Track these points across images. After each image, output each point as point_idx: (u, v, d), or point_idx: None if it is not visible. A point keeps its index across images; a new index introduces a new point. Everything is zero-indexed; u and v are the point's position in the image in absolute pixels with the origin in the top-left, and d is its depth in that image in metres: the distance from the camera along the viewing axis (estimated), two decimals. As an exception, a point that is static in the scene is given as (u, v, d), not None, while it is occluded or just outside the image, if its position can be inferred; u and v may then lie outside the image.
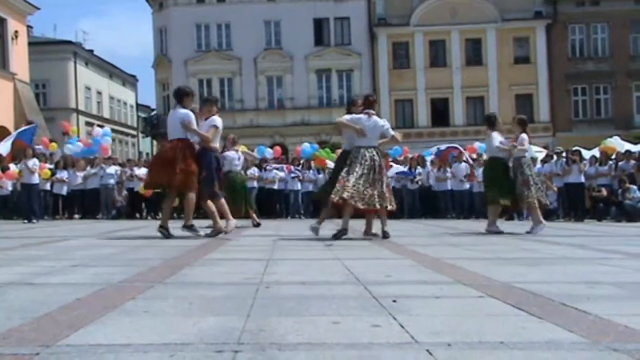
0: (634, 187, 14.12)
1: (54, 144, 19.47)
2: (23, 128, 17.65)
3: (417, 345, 2.15)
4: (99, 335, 2.31)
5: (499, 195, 9.03)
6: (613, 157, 15.78)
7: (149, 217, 16.95)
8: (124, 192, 17.20)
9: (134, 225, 12.41)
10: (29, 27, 31.14)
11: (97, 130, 20.18)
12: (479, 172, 10.28)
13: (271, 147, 20.85)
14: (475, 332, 2.34)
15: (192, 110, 8.15)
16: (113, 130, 44.67)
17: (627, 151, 15.69)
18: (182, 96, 8.27)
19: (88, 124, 38.42)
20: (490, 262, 5.00)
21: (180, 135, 8.00)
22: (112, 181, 17.19)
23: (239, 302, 3.02)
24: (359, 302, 3.01)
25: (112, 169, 17.37)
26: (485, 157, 11.06)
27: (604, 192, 14.74)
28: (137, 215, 17.31)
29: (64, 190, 17.17)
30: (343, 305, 2.92)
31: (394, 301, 3.00)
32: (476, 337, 2.25)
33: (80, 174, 17.15)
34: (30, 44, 29.30)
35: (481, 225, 10.43)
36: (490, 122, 9.50)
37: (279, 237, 8.16)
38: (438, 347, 2.10)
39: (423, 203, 16.54)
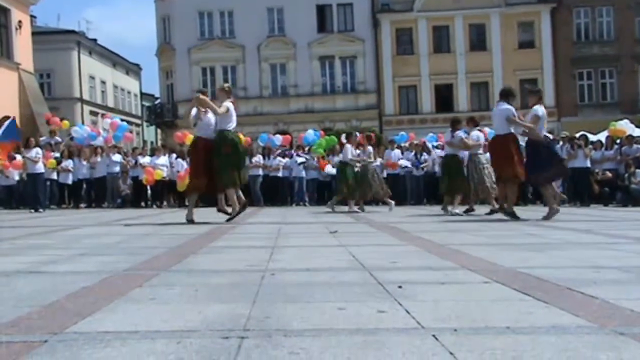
0: (640, 171, 14.08)
1: (66, 121, 19.37)
2: (2, 128, 16.60)
3: (423, 330, 2.15)
4: (107, 322, 2.32)
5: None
6: (618, 141, 15.70)
7: (155, 206, 17.01)
8: (129, 181, 17.24)
9: (139, 214, 12.45)
10: (32, 17, 31.08)
11: (107, 121, 19.95)
12: (486, 156, 10.35)
13: (274, 135, 20.77)
14: (481, 317, 2.34)
15: None
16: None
17: (631, 135, 15.61)
18: (507, 95, 8.93)
19: (92, 113, 38.48)
20: (496, 248, 5.00)
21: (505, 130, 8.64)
22: (117, 169, 17.23)
23: (245, 289, 3.03)
24: (364, 289, 3.01)
25: (118, 157, 17.41)
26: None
27: (609, 174, 14.70)
28: (142, 204, 17.35)
29: (70, 179, 17.23)
30: (348, 292, 2.93)
31: (400, 287, 3.00)
32: (482, 323, 2.25)
33: (86, 163, 17.18)
34: (34, 33, 29.24)
35: (485, 209, 10.42)
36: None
37: (283, 224, 8.17)
38: (444, 333, 2.11)
39: (427, 189, 16.51)
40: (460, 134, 10.79)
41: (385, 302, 2.66)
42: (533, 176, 8.79)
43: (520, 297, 2.75)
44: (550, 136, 17.55)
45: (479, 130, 11.21)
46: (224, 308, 2.57)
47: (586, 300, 2.68)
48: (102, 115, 21.14)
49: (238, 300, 2.73)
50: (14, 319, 2.37)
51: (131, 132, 20.38)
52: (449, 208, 10.56)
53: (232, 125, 8.41)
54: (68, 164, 17.13)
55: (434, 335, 2.07)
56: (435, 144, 17.20)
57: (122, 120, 21.94)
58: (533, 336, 2.07)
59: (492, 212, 10.08)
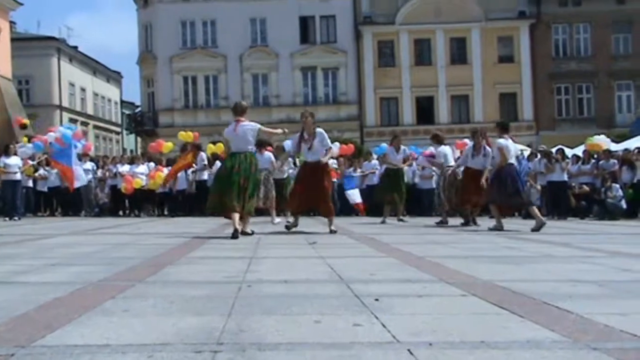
0: (616, 185, 14.25)
1: (25, 138, 18.92)
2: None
3: (399, 344, 2.14)
4: (76, 335, 2.27)
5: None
6: (595, 155, 15.90)
7: (132, 215, 16.84)
8: (106, 190, 16.98)
9: (116, 223, 12.32)
10: (12, 22, 30.79)
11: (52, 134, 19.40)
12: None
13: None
14: (456, 331, 2.34)
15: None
16: (97, 127, 44.34)
17: (608, 150, 15.83)
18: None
19: (72, 120, 38.09)
20: (474, 260, 5.01)
21: None
22: (89, 176, 16.88)
23: (220, 301, 3.00)
24: (341, 301, 3.00)
25: (89, 165, 17.13)
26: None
27: (586, 188, 14.86)
28: (120, 212, 17.17)
29: (46, 187, 16.98)
30: (325, 304, 2.91)
31: (377, 300, 2.99)
32: (457, 337, 2.24)
33: (54, 172, 16.82)
34: (13, 40, 28.97)
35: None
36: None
37: (263, 234, 8.12)
38: (419, 347, 2.09)
39: (407, 201, 16.52)
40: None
41: (361, 315, 2.64)
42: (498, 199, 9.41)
43: (496, 311, 2.75)
44: (527, 150, 17.76)
45: (445, 145, 11.70)
46: (199, 321, 2.53)
47: (561, 314, 2.69)
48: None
49: (213, 313, 2.70)
50: (-19, 331, 2.31)
51: (85, 132, 19.63)
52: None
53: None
54: (46, 172, 16.87)
55: (409, 350, 2.06)
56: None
57: (98, 127, 21.48)
58: (508, 351, 2.06)
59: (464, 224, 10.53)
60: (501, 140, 9.32)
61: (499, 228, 9.26)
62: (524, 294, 3.19)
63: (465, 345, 2.13)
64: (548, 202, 15.05)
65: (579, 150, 17.12)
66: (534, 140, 29.79)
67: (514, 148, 9.69)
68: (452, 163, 11.15)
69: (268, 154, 12.03)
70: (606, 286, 3.56)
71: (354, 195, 16.04)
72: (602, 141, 17.06)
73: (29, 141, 18.27)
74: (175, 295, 3.17)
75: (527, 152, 17.11)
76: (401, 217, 12.39)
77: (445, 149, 11.43)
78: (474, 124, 30.55)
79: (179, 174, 15.77)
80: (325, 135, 8.63)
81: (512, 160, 9.48)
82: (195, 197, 16.57)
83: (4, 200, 14.96)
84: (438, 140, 11.67)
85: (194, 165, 15.75)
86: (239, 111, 8.01)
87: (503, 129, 9.67)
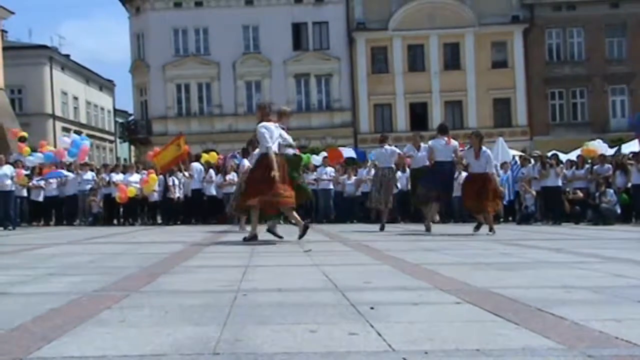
0: (611, 190, 14.31)
1: (27, 148, 19.01)
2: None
3: (394, 354, 2.15)
4: (73, 347, 2.27)
5: None
6: (589, 160, 15.97)
7: (127, 223, 16.80)
8: (99, 198, 16.92)
9: (111, 232, 12.29)
10: (3, 31, 30.75)
11: (65, 140, 19.63)
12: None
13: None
14: (452, 339, 2.35)
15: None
16: (90, 136, 44.31)
17: (602, 155, 15.91)
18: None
19: (65, 129, 38.03)
20: (469, 267, 5.02)
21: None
22: (89, 187, 16.99)
23: (216, 310, 3.00)
24: (336, 310, 3.00)
25: (90, 175, 17.17)
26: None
27: (580, 193, 14.92)
28: (115, 221, 17.13)
29: (41, 197, 16.94)
30: (320, 313, 2.91)
31: (372, 308, 2.99)
32: (453, 345, 2.25)
33: (54, 182, 16.88)
34: (4, 48, 28.91)
35: (462, 229, 10.51)
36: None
37: (258, 243, 8.12)
38: (415, 356, 2.10)
39: (401, 206, 16.55)
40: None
41: (357, 324, 2.65)
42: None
43: (491, 318, 2.76)
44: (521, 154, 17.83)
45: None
46: (194, 330, 2.54)
47: (556, 321, 2.70)
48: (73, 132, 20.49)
49: (209, 322, 2.70)
50: (-23, 344, 2.31)
51: (89, 145, 20.17)
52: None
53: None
54: (40, 181, 16.84)
55: (404, 359, 2.06)
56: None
57: (91, 136, 21.73)
58: (503, 358, 2.08)
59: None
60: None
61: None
62: (518, 301, 3.20)
63: (461, 353, 2.14)
64: (542, 207, 15.11)
65: (573, 155, 17.20)
66: (528, 146, 29.95)
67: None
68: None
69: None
70: (601, 292, 3.58)
71: None
72: (598, 146, 17.16)
73: (32, 152, 18.37)
74: (170, 305, 3.17)
75: (517, 157, 17.16)
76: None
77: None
78: (468, 129, 30.64)
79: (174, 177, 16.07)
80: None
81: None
82: (190, 205, 16.59)
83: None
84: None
85: (186, 157, 16.32)
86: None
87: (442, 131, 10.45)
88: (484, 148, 10.10)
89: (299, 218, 8.18)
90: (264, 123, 8.00)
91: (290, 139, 8.32)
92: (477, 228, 10.05)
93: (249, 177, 8.42)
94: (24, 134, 19.57)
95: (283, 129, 8.21)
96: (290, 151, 8.39)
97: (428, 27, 34.04)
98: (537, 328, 2.51)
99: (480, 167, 10.02)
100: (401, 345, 2.25)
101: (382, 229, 11.10)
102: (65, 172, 16.71)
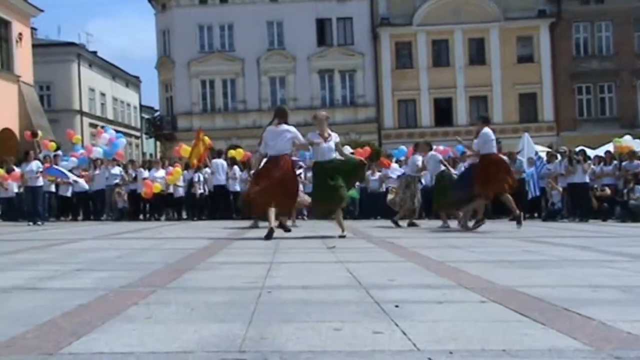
0: (639, 186, 14.07)
1: (52, 143, 19.23)
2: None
3: (419, 353, 2.15)
4: (101, 343, 2.31)
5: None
6: (617, 156, 15.71)
7: (152, 219, 16.99)
8: (123, 192, 17.11)
9: (137, 227, 12.44)
10: (33, 29, 31.21)
11: (105, 136, 19.69)
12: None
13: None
14: (477, 339, 2.34)
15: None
16: (117, 132, 44.77)
17: (631, 151, 15.63)
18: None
19: (92, 125, 38.52)
20: (493, 265, 4.99)
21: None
22: (117, 181, 17.22)
23: (241, 307, 3.02)
24: (360, 308, 3.01)
25: (117, 170, 17.38)
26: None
27: (608, 191, 14.69)
28: (141, 216, 17.34)
29: (69, 192, 17.20)
30: (344, 311, 2.92)
31: (397, 306, 2.99)
32: (478, 345, 2.24)
33: (81, 180, 17.03)
34: (34, 46, 29.35)
35: (490, 226, 10.39)
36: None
37: (281, 238, 8.15)
38: (440, 355, 2.10)
39: (426, 204, 16.46)
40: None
41: (381, 322, 2.65)
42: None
43: (517, 318, 2.74)
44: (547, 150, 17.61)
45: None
46: (220, 328, 2.56)
47: (583, 321, 2.67)
48: (97, 130, 20.53)
49: (234, 320, 2.72)
50: (9, 339, 2.36)
51: (125, 151, 20.45)
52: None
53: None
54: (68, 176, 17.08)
55: (429, 359, 2.06)
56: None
57: (117, 132, 21.83)
58: (529, 359, 2.06)
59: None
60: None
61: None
62: (544, 300, 3.17)
63: (487, 353, 2.13)
64: (569, 203, 14.91)
65: (601, 151, 16.93)
66: (555, 141, 29.57)
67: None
68: None
69: None
70: (629, 292, 3.53)
71: None
72: (631, 142, 16.84)
73: (57, 149, 18.61)
74: (196, 302, 3.20)
75: (544, 153, 16.95)
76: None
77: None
78: (494, 125, 30.34)
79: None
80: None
81: None
82: (214, 201, 16.73)
83: (25, 206, 15.21)
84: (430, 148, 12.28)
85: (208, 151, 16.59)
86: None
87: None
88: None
89: (273, 220, 8.13)
90: (268, 127, 8.43)
91: (301, 139, 8.48)
92: (477, 224, 10.10)
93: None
94: (35, 131, 19.72)
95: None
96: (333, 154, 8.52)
97: (453, 22, 33.77)
98: (563, 328, 2.49)
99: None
100: (426, 344, 2.25)
101: (410, 224, 11.53)
102: (68, 173, 16.39)
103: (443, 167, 11.92)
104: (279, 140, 8.24)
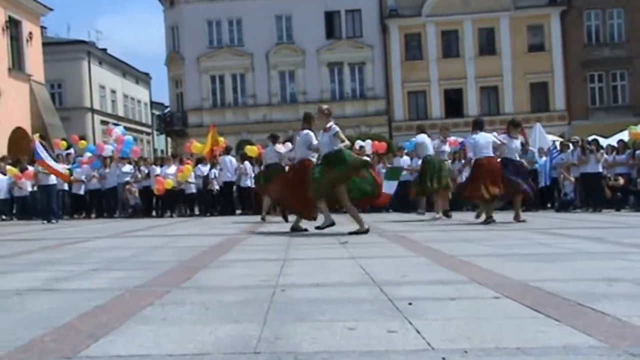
0: (653, 175, 13.97)
1: (63, 142, 19.31)
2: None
3: (433, 352, 2.15)
4: (119, 345, 2.34)
5: None
6: (631, 145, 15.58)
7: (165, 215, 17.08)
8: (134, 189, 17.20)
9: (150, 224, 12.51)
10: (42, 28, 31.36)
11: (117, 132, 19.64)
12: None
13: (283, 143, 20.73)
14: (491, 337, 2.34)
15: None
16: (127, 129, 45.01)
17: (644, 139, 15.50)
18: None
19: (103, 122, 38.69)
20: (505, 259, 4.97)
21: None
22: (128, 179, 17.33)
23: (255, 307, 3.04)
24: (374, 306, 3.01)
25: (128, 167, 17.49)
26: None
27: (621, 180, 14.58)
28: (153, 213, 17.43)
29: (82, 190, 17.33)
30: (358, 309, 2.93)
31: (410, 304, 3.00)
32: (492, 343, 2.25)
33: (94, 176, 17.13)
34: (44, 44, 29.50)
35: (502, 216, 10.34)
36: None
37: (294, 235, 8.17)
38: (454, 354, 2.10)
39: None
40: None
41: (395, 320, 2.66)
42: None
43: (531, 314, 2.74)
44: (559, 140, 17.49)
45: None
46: (235, 328, 2.58)
47: (598, 317, 2.66)
48: (107, 128, 20.43)
49: (249, 320, 2.74)
50: (27, 343, 2.39)
51: (139, 147, 20.48)
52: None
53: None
54: (81, 175, 17.20)
55: (443, 358, 2.07)
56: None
57: (128, 129, 21.92)
58: (544, 358, 2.06)
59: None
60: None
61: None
62: (558, 295, 3.16)
63: (501, 351, 2.14)
64: (582, 194, 14.83)
65: (613, 140, 16.80)
66: (567, 131, 29.38)
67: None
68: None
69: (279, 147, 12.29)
70: (643, 285, 3.51)
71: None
72: None
73: (68, 147, 18.73)
74: (211, 301, 3.22)
75: (558, 142, 16.86)
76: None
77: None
78: (504, 115, 30.21)
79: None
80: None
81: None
82: (225, 197, 16.81)
83: (39, 204, 15.33)
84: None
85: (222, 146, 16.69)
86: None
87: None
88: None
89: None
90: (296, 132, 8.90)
91: (314, 141, 8.56)
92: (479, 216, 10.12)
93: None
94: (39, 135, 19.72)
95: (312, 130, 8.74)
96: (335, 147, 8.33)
97: (462, 12, 33.56)
98: (578, 325, 2.48)
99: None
100: (440, 343, 2.25)
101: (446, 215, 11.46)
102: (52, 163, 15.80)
103: (431, 151, 11.58)
104: (299, 146, 8.67)
